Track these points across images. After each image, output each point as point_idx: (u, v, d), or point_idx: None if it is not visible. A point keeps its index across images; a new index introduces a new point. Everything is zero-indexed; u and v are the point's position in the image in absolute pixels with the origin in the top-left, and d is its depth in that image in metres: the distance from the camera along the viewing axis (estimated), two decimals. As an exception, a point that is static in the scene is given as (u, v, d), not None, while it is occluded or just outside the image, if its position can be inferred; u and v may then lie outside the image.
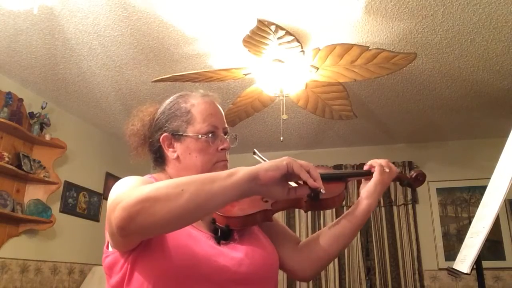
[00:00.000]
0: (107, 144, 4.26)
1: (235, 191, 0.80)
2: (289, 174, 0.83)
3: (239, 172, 0.80)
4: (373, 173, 1.17)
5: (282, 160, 0.83)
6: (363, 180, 1.21)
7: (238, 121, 3.17)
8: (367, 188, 1.15)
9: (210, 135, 1.07)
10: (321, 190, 0.84)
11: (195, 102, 1.10)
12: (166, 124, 1.10)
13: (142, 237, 0.88)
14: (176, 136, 1.08)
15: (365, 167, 1.20)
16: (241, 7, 2.31)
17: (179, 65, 2.92)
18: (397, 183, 1.30)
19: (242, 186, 0.80)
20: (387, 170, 1.16)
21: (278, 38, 2.29)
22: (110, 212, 0.82)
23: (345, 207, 4.23)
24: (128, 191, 0.85)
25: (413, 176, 1.26)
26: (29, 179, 3.21)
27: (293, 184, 0.87)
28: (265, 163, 0.83)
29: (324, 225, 4.31)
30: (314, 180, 0.83)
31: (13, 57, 2.89)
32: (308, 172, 0.84)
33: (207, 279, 0.91)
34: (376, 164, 1.17)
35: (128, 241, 0.88)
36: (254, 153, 1.10)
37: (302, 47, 2.42)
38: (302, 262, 1.14)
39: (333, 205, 1.13)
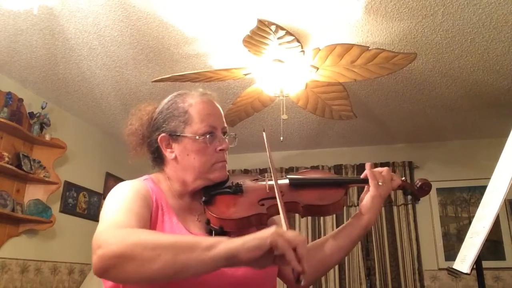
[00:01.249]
0: (107, 144, 4.26)
1: (211, 266, 0.76)
2: (272, 251, 0.75)
3: (219, 246, 0.75)
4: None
5: (266, 238, 0.74)
6: (366, 187, 1.17)
7: (238, 121, 3.17)
8: (365, 203, 1.13)
9: (208, 135, 1.05)
10: (301, 278, 0.74)
11: (193, 101, 1.09)
12: (164, 124, 1.08)
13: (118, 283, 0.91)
14: (174, 136, 1.07)
15: (363, 175, 1.16)
16: (241, 7, 2.31)
17: (179, 65, 2.92)
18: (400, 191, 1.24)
19: (219, 262, 0.76)
20: (381, 183, 1.12)
21: (278, 38, 2.29)
22: (92, 247, 0.83)
23: (345, 207, 4.23)
24: (113, 227, 0.86)
25: (417, 186, 1.21)
26: (29, 179, 3.21)
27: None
28: (248, 240, 0.75)
29: (324, 227, 4.32)
30: (299, 261, 0.74)
31: (13, 57, 2.89)
32: (295, 249, 0.74)
33: (204, 282, 0.90)
34: (371, 177, 1.13)
35: None
36: (264, 130, 1.09)
37: (302, 47, 2.42)
38: None
39: (333, 211, 1.12)
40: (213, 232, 0.99)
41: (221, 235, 0.99)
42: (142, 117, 1.14)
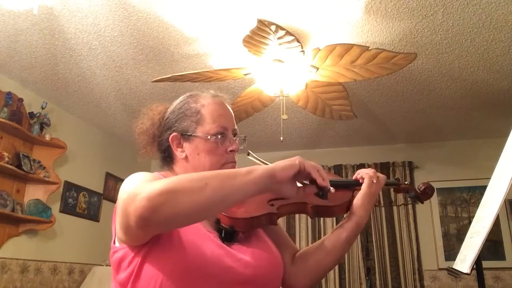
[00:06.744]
0: (107, 144, 4.26)
1: (254, 187, 0.85)
2: (299, 173, 0.89)
3: (257, 169, 0.85)
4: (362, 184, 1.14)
5: (294, 159, 0.89)
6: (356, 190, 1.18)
7: (238, 121, 3.16)
8: (355, 201, 1.12)
9: (219, 136, 1.06)
10: (330, 189, 0.90)
11: (205, 102, 1.10)
12: (176, 124, 1.09)
13: (161, 229, 0.86)
14: (185, 136, 1.07)
15: (353, 178, 1.16)
16: (241, 7, 2.31)
17: (179, 65, 2.92)
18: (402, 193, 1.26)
19: (260, 183, 0.85)
20: (375, 181, 1.13)
21: (278, 38, 2.29)
22: (127, 203, 0.81)
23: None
24: (145, 184, 0.83)
25: (421, 189, 1.23)
26: (29, 179, 3.21)
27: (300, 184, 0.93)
28: (279, 162, 0.88)
29: (325, 230, 4.32)
30: (323, 179, 0.90)
31: (13, 57, 2.89)
32: (318, 171, 0.90)
33: (213, 278, 0.91)
34: (366, 175, 1.13)
35: (144, 234, 0.86)
36: (249, 154, 1.11)
37: (302, 47, 2.42)
38: (297, 276, 1.12)
39: (339, 212, 1.12)
40: (223, 231, 0.99)
41: (231, 235, 1.00)
42: (153, 117, 1.15)
